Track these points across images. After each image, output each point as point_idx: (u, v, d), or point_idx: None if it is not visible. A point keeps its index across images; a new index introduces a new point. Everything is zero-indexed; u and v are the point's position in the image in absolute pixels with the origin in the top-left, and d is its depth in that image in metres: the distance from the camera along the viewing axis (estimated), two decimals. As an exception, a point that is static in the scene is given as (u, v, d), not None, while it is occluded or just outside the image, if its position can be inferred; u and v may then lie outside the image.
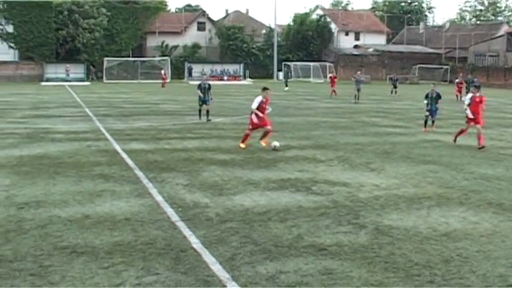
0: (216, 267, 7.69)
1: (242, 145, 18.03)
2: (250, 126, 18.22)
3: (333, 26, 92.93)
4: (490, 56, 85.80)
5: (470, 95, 19.87)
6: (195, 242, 8.75)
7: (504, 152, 18.55)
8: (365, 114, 30.88)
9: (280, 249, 8.45)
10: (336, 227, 9.67)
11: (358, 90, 40.92)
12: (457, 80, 48.56)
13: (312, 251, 8.39)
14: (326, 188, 12.61)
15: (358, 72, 45.62)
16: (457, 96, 44.77)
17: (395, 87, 50.27)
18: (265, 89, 18.28)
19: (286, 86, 59.29)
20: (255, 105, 17.92)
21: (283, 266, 7.77)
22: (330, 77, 49.95)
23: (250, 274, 7.48)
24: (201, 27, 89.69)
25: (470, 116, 19.25)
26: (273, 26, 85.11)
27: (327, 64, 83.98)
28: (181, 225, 9.61)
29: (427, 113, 24.31)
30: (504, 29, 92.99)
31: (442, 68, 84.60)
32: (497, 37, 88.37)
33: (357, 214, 10.48)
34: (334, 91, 45.13)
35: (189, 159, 15.95)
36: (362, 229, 9.55)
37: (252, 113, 18.12)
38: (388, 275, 7.53)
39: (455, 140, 20.10)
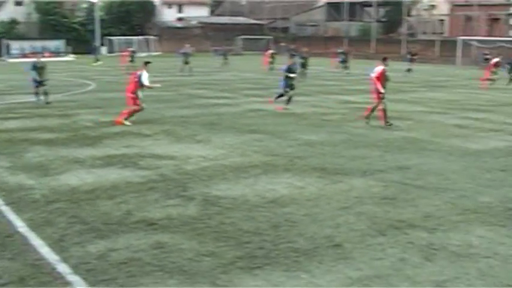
0: (45, 250, 7.51)
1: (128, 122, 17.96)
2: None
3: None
4: (311, 25, 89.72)
5: (380, 67, 17.96)
6: (20, 225, 8.45)
7: (326, 118, 19.65)
8: (190, 87, 31.11)
9: (110, 227, 8.40)
10: (164, 200, 9.78)
11: (187, 63, 40.91)
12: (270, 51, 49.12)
13: (142, 226, 8.44)
14: (153, 162, 12.65)
15: (187, 45, 45.39)
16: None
17: (226, 58, 50.51)
18: (147, 63, 18.65)
19: (98, 60, 57.71)
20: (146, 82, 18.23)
21: (114, 244, 7.74)
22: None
23: (80, 254, 7.39)
24: (18, 1, 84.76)
25: (382, 90, 17.86)
26: (93, 0, 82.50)
27: (151, 38, 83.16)
28: (5, 209, 9.22)
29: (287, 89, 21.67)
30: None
31: (264, 39, 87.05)
32: (317, 7, 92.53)
33: (185, 186, 10.64)
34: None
35: (10, 140, 15.21)
36: (191, 201, 9.73)
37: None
38: (219, 244, 7.77)
39: (388, 124, 18.10)
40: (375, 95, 18.29)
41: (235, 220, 8.78)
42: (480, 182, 11.41)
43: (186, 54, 41.72)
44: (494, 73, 32.99)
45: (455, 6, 71.75)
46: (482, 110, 22.93)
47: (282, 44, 66.73)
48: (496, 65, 33.22)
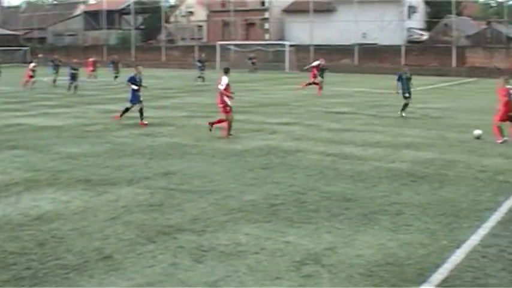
0: None
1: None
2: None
3: None
4: (69, 35, 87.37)
5: (226, 78, 17.50)
6: None
7: (88, 129, 19.23)
8: None
9: None
10: None
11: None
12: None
13: None
14: None
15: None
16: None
17: None
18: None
19: None
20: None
21: None
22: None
23: None
24: None
25: (230, 103, 17.64)
26: None
27: None
28: None
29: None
30: (81, 8, 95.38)
31: (21, 50, 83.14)
32: (74, 16, 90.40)
33: None
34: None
35: None
36: None
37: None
38: (-22, 271, 7.23)
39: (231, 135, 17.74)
40: (222, 108, 17.66)
41: (-4, 242, 8.24)
42: (244, 181, 11.94)
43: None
44: (320, 76, 33.40)
45: (212, 12, 74.45)
46: (243, 111, 24.00)
47: (40, 55, 64.28)
48: (318, 68, 33.57)
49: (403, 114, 22.79)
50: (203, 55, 47.99)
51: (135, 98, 20.41)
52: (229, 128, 17.63)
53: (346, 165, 13.64)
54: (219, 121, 17.88)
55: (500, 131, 17.07)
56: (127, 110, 20.68)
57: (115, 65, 43.40)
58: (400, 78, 23.28)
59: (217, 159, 14.26)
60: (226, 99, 17.45)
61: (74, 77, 33.94)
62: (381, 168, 13.25)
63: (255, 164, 13.71)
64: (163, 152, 15.15)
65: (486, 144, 16.75)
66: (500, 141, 16.93)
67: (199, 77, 42.02)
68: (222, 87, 17.55)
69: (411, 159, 14.43)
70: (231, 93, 17.70)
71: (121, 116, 20.73)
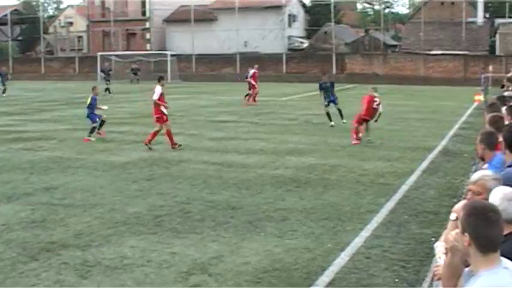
0: None
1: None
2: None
3: None
4: None
5: (159, 88, 17.48)
6: None
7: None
8: None
9: None
10: None
11: None
12: None
13: None
14: None
15: None
16: None
17: None
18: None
19: None
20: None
21: None
22: None
23: None
24: None
25: (165, 111, 17.47)
26: None
27: None
28: None
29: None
30: None
31: None
32: None
33: None
34: None
35: None
36: None
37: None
38: None
39: (178, 145, 17.48)
40: (157, 118, 17.24)
41: None
42: (128, 193, 11.81)
43: None
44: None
45: (92, 23, 72.94)
46: (125, 122, 23.74)
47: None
48: (254, 77, 33.07)
49: (332, 124, 22.07)
50: (107, 64, 46.50)
51: (96, 116, 19.76)
52: (172, 138, 17.26)
53: (231, 173, 13.78)
54: (154, 135, 17.21)
55: (357, 133, 18.19)
56: (93, 129, 19.57)
57: (3, 77, 41.00)
58: (320, 88, 22.81)
59: (100, 172, 14.03)
60: (162, 108, 17.20)
61: None
62: (265, 175, 13.49)
63: (138, 175, 13.59)
64: (44, 166, 14.72)
65: (367, 148, 17.43)
66: (355, 142, 18.00)
67: (106, 89, 38.66)
68: (156, 96, 17.32)
69: (295, 165, 14.77)
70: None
71: (90, 135, 19.35)
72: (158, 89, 17.44)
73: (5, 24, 77.48)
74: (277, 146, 17.91)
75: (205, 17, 65.88)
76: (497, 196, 3.98)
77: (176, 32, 66.67)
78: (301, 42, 66.14)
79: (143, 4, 70.55)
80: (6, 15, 75.97)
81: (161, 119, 17.32)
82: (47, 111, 29.57)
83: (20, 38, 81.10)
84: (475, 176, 4.80)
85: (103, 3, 72.52)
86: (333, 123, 22.15)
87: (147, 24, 69.28)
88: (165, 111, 17.35)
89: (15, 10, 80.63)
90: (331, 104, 22.42)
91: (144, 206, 10.77)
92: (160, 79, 17.97)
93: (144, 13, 70.49)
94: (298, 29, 68.24)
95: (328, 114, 22.44)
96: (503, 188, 4.16)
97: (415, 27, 59.19)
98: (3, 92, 39.78)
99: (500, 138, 6.42)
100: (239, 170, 14.20)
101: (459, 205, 4.52)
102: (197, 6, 65.02)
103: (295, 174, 13.62)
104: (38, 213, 10.30)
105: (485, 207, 3.27)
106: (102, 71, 42.79)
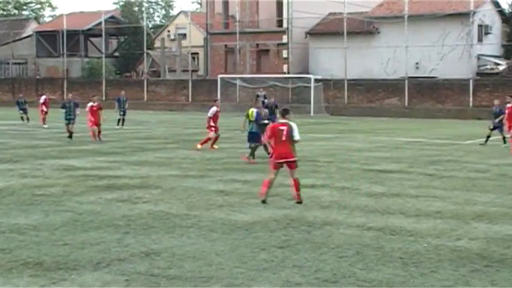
0: None
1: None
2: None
3: None
4: (16, 63, 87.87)
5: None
6: None
7: (41, 193, 19.28)
8: None
9: None
10: None
11: None
12: None
13: None
14: None
15: None
16: None
17: None
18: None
19: None
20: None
21: None
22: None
23: None
24: None
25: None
26: None
27: None
28: None
29: None
30: (32, 27, 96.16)
31: None
32: (23, 38, 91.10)
33: None
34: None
35: None
36: None
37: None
38: None
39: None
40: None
41: None
42: (253, 264, 11.87)
43: None
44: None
45: (212, 35, 74.53)
46: (253, 169, 24.06)
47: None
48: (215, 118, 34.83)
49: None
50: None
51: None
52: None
53: (394, 243, 13.57)
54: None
55: None
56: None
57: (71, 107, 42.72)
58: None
59: (218, 234, 14.22)
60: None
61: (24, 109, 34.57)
62: (441, 248, 13.17)
63: (268, 240, 13.65)
64: (144, 223, 15.13)
65: None
66: None
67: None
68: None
69: (484, 235, 14.34)
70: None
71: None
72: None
73: (98, 35, 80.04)
74: (459, 207, 17.51)
75: (363, 28, 66.15)
76: None
77: (322, 48, 67.11)
78: (497, 64, 64.79)
79: (279, 12, 71.13)
80: (100, 23, 78.22)
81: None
82: (150, 150, 30.56)
83: (116, 54, 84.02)
84: None
85: (226, 8, 73.69)
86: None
87: (284, 39, 69.92)
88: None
89: (112, 17, 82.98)
90: None
91: (275, 282, 10.77)
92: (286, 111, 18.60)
93: (280, 23, 71.16)
94: (492, 45, 66.88)
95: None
96: None
97: None
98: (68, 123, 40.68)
99: None
100: (406, 239, 13.96)
101: None
102: (352, 14, 65.21)
103: (484, 249, 13.20)
104: (133, 287, 10.56)
105: None
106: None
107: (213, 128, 30.97)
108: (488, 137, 32.31)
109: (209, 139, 31.13)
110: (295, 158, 17.93)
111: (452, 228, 14.99)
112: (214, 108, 31.15)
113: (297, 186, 17.75)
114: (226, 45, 72.26)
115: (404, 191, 20.06)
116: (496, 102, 32.33)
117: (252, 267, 11.72)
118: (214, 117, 30.96)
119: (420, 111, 57.06)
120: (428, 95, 59.59)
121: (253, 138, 26.19)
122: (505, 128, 31.91)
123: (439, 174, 23.55)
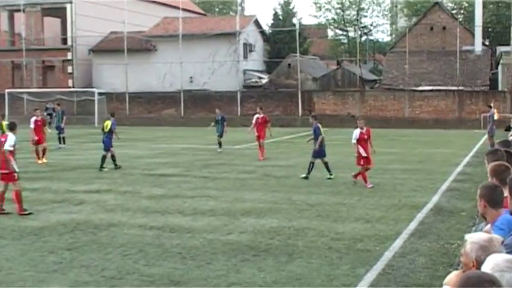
0: None
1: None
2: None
3: None
4: None
5: (12, 136, 17.00)
6: None
7: None
8: None
9: None
10: None
11: None
12: None
13: None
14: None
15: None
16: None
17: None
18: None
19: None
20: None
21: None
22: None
23: None
24: None
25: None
26: None
27: None
28: None
29: None
30: None
31: None
32: None
33: None
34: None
35: None
36: None
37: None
38: None
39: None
40: (7, 176, 16.77)
41: None
42: (42, 267, 11.60)
43: None
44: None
45: (-3, 53, 72.40)
46: (40, 177, 23.46)
47: None
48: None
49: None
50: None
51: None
52: (21, 201, 16.83)
53: (173, 240, 13.69)
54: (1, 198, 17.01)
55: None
56: None
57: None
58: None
59: (8, 240, 13.79)
60: (13, 163, 16.70)
61: None
62: (215, 242, 13.41)
63: (57, 244, 13.40)
64: None
65: (341, 206, 17.51)
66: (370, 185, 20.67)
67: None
68: (9, 147, 16.77)
69: (252, 228, 14.73)
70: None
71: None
72: (11, 138, 16.94)
73: None
74: (230, 205, 17.89)
75: (142, 46, 66.15)
76: (487, 266, 3.93)
77: (105, 64, 66.58)
78: (260, 78, 66.74)
79: (64, 30, 70.34)
80: None
81: (11, 176, 16.82)
82: None
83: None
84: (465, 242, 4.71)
85: (12, 25, 72.07)
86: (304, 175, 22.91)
87: (69, 55, 69.04)
88: (15, 167, 16.79)
89: None
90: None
91: (64, 283, 10.60)
92: (12, 126, 17.45)
93: (65, 41, 70.31)
94: (255, 61, 68.88)
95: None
96: (496, 256, 4.11)
97: (398, 58, 60.30)
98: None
99: (506, 193, 6.36)
100: (183, 235, 14.12)
101: (451, 276, 4.55)
102: (131, 33, 65.17)
103: (252, 240, 13.58)
104: None
105: (480, 278, 3.30)
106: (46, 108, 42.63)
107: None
108: None
109: None
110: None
111: (225, 224, 15.31)
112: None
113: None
114: (13, 61, 70.25)
115: (182, 192, 20.25)
116: (217, 111, 32.41)
117: (42, 269, 11.47)
118: None
119: (195, 120, 57.71)
120: (201, 105, 60.43)
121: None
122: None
123: (213, 176, 23.92)
